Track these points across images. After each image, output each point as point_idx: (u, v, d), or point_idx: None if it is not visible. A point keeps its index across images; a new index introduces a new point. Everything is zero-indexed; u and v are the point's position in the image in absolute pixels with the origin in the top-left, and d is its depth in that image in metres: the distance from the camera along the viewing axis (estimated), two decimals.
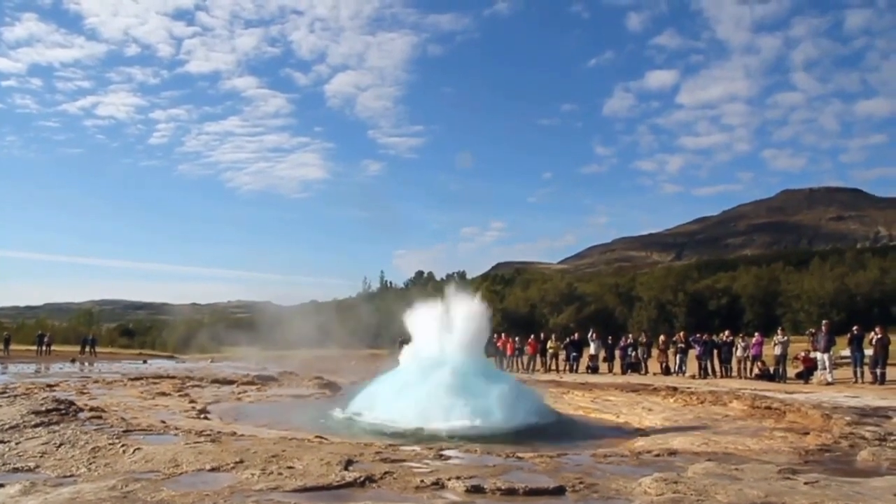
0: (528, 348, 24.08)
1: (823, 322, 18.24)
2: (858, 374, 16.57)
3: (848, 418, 9.41)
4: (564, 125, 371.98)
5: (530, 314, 60.40)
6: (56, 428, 7.45)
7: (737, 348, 19.51)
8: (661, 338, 22.78)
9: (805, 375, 17.33)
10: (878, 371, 15.98)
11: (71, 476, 5.31)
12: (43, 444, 6.55)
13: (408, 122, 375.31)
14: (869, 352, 16.74)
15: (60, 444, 6.48)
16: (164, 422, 8.95)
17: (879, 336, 16.27)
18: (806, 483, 5.26)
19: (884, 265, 58.46)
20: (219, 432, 7.51)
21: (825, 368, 16.80)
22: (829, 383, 16.13)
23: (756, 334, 20.40)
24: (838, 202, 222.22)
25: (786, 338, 18.54)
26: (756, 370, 18.45)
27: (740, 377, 18.72)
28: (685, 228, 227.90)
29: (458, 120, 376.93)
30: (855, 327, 17.28)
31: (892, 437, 7.76)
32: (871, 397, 12.92)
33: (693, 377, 19.10)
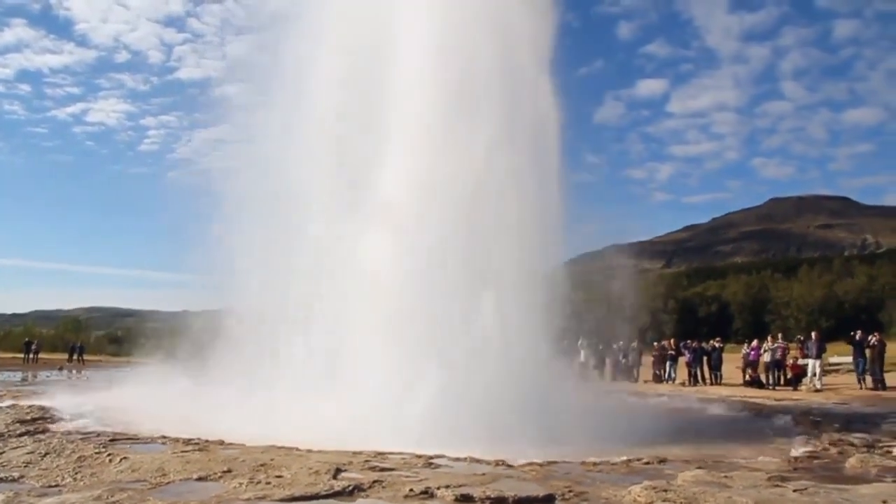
0: None
1: (813, 332, 18.27)
2: (861, 380, 16.58)
3: (836, 425, 9.47)
4: None
5: None
6: (41, 437, 7.36)
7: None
8: (655, 345, 22.79)
9: (794, 382, 17.40)
10: (874, 378, 16.04)
11: (56, 486, 5.24)
12: (28, 453, 6.46)
13: None
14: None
15: (46, 454, 6.40)
16: (151, 430, 8.83)
17: (877, 340, 16.32)
18: (795, 490, 5.27)
19: (871, 272, 59.19)
20: (206, 441, 7.43)
21: (814, 375, 16.87)
22: (817, 390, 16.20)
23: (755, 341, 20.38)
24: (826, 210, 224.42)
25: (776, 345, 18.55)
26: (747, 377, 18.49)
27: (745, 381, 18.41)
28: (675, 236, 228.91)
29: None
30: (859, 333, 17.10)
31: (881, 444, 7.81)
32: (859, 404, 13.01)
33: (683, 384, 19.15)
